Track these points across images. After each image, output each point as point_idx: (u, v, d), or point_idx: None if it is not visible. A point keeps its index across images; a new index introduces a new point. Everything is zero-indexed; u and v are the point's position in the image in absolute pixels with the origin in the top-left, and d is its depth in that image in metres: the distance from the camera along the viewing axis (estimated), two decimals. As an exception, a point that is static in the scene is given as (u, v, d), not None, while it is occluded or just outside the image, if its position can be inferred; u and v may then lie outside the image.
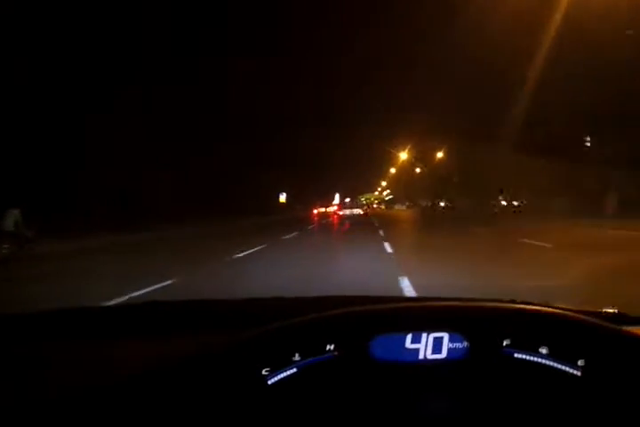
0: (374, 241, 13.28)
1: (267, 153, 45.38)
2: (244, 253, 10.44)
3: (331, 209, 47.53)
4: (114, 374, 0.84)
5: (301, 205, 65.59)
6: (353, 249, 11.84)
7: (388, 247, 11.05)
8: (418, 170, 68.19)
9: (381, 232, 17.40)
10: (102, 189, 20.38)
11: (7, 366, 0.98)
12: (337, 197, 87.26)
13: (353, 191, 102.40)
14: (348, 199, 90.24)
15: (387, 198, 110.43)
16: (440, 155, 55.62)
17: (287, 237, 15.88)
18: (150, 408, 0.76)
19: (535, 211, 30.17)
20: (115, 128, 19.72)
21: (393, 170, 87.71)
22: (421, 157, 62.82)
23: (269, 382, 0.83)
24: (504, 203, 38.10)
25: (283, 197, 54.70)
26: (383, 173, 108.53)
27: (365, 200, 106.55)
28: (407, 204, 74.26)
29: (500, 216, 30.82)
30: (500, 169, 35.50)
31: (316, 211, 50.84)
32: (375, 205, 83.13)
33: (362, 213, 43.00)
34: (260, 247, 11.61)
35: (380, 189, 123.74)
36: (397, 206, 77.44)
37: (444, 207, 53.03)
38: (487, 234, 16.50)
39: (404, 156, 71.04)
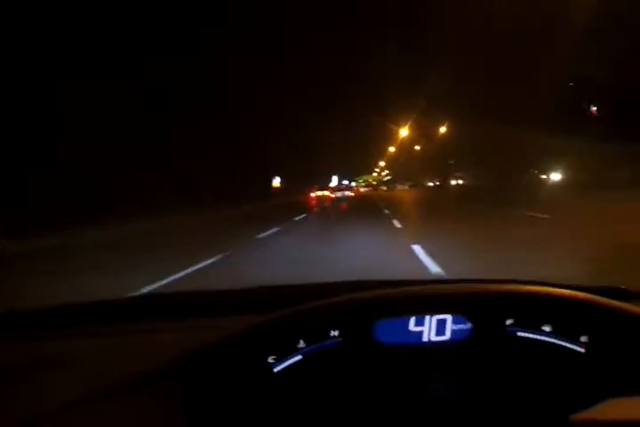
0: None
1: (257, 136, 41.12)
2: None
3: (328, 192, 44.41)
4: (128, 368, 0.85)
5: (297, 189, 61.44)
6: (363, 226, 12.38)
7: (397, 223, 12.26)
8: (417, 147, 63.46)
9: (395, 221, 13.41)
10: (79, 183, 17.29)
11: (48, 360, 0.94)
12: (335, 179, 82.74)
13: (351, 173, 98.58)
14: (345, 182, 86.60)
15: (385, 179, 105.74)
16: (443, 129, 51.05)
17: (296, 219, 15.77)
18: (162, 397, 0.78)
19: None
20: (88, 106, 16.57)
21: (392, 149, 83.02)
22: (424, 132, 58.33)
23: (275, 370, 0.84)
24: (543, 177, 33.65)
25: (276, 181, 50.25)
26: (382, 153, 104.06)
27: (363, 182, 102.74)
28: (409, 184, 69.23)
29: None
30: (527, 144, 31.24)
31: (313, 194, 46.19)
32: (370, 187, 78.53)
33: (352, 194, 42.26)
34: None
35: (378, 169, 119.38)
36: (400, 187, 72.05)
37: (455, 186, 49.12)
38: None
39: (404, 133, 66.11)
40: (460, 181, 50.93)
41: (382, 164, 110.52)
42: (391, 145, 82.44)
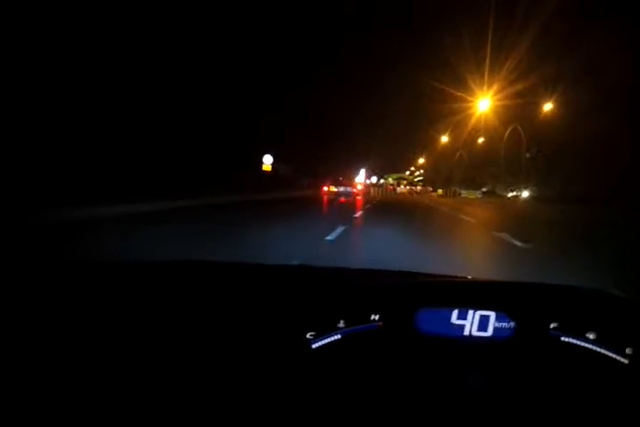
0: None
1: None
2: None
3: (347, 188, 33.95)
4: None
5: (309, 180, 46.04)
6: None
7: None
8: (481, 140, 46.67)
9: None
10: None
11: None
12: (362, 172, 66.75)
13: (382, 169, 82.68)
14: (374, 178, 71.27)
15: (416, 180, 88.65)
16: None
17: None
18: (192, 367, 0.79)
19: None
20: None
21: (423, 158, 66.61)
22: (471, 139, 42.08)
23: (313, 347, 0.85)
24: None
25: (268, 160, 34.09)
26: (418, 154, 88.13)
27: (392, 180, 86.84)
28: (442, 190, 50.29)
29: None
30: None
31: (326, 188, 35.48)
32: (402, 187, 60.18)
33: (354, 190, 34.35)
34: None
35: (413, 168, 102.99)
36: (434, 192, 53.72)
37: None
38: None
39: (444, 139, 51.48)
40: (526, 193, 34.41)
41: (421, 160, 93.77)
42: (430, 148, 66.71)
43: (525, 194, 34.91)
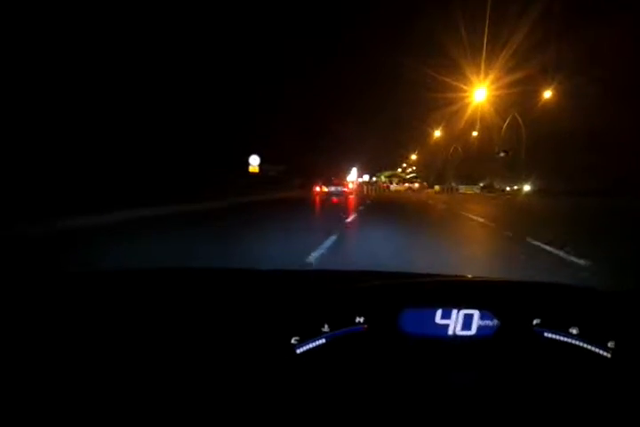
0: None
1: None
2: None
3: (338, 188, 33.71)
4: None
5: (301, 180, 44.07)
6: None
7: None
8: (474, 133, 44.55)
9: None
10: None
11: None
12: (354, 171, 64.85)
13: (373, 167, 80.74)
14: (365, 176, 69.49)
15: (408, 176, 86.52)
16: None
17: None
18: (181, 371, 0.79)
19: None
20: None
21: (415, 155, 64.57)
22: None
23: (298, 351, 0.85)
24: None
25: (255, 161, 31.99)
26: (410, 151, 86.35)
27: (385, 178, 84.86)
28: (439, 186, 47.20)
29: None
30: None
31: (318, 188, 34.80)
32: (395, 184, 57.19)
33: (346, 190, 34.52)
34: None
35: (405, 165, 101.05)
36: (435, 188, 50.24)
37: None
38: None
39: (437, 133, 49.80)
40: (527, 187, 32.44)
41: (414, 157, 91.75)
42: (423, 143, 65.39)
43: (527, 188, 32.98)
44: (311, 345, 0.85)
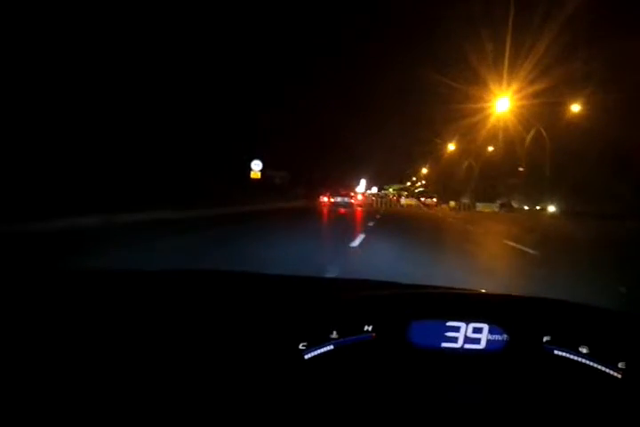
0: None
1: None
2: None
3: (345, 199, 31.73)
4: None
5: (306, 189, 41.86)
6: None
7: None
8: (491, 148, 41.93)
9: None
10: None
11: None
12: (362, 182, 62.70)
13: (381, 180, 78.44)
14: (374, 188, 67.37)
15: (417, 191, 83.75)
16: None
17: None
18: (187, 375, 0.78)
19: None
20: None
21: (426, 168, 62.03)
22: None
23: (306, 357, 0.84)
24: None
25: (256, 166, 29.55)
26: (421, 164, 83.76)
27: (393, 191, 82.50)
28: (454, 202, 42.68)
29: None
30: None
31: (326, 199, 33.04)
32: (404, 198, 53.65)
33: (353, 201, 33.33)
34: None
35: (414, 179, 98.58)
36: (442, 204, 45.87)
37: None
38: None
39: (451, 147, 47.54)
40: (552, 208, 29.78)
41: (424, 171, 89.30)
42: (434, 158, 63.06)
43: (552, 208, 30.21)
44: (319, 351, 0.85)
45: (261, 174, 30.95)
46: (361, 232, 10.75)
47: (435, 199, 46.53)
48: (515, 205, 35.38)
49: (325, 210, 25.78)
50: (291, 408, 0.78)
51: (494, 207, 35.22)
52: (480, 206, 36.10)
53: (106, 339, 0.85)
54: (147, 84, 19.94)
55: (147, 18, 19.48)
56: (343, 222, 16.22)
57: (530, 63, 27.95)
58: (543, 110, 30.52)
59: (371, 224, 14.76)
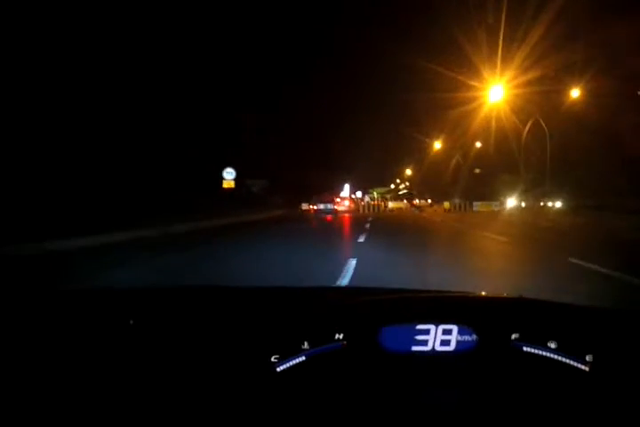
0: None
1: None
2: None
3: (328, 205, 30.92)
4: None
5: (286, 197, 38.85)
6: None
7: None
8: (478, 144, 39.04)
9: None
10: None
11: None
12: (346, 187, 59.80)
13: (364, 184, 75.48)
14: (358, 192, 64.76)
15: (400, 193, 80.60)
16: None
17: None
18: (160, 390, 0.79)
19: None
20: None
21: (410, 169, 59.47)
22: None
23: (278, 369, 0.85)
24: None
25: (229, 175, 26.10)
26: (404, 165, 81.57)
27: (377, 195, 79.59)
28: (448, 203, 37.37)
29: None
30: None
31: (305, 206, 33.01)
32: (392, 202, 49.76)
33: (336, 207, 32.58)
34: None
35: (398, 181, 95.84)
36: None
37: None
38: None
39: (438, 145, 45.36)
40: (559, 203, 26.97)
41: (408, 172, 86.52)
42: (419, 158, 60.99)
43: (558, 204, 27.24)
44: (291, 363, 0.85)
45: (237, 183, 27.71)
46: (350, 256, 7.44)
47: (429, 200, 43.57)
48: (516, 202, 32.12)
49: (304, 220, 22.54)
50: (266, 421, 0.78)
51: (493, 206, 32.02)
52: (477, 206, 32.82)
53: (80, 355, 0.85)
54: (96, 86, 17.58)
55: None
56: (330, 235, 13.07)
57: (525, 50, 25.15)
58: (540, 99, 27.75)
59: (361, 238, 11.56)
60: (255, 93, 31.88)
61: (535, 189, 29.55)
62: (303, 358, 0.85)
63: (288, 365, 0.84)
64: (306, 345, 0.86)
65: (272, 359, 0.84)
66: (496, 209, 30.93)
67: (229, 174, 26.01)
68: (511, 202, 31.86)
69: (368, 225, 17.32)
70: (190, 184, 24.36)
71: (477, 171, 41.45)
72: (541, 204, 28.90)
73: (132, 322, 0.98)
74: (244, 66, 30.39)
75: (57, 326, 0.97)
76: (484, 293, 1.15)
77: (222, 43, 27.96)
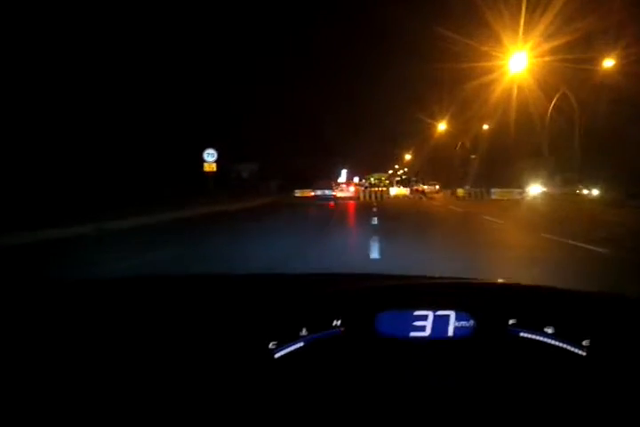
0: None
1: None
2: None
3: (326, 191, 27.79)
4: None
5: (278, 184, 35.47)
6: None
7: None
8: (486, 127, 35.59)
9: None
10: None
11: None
12: (344, 173, 56.76)
13: (363, 169, 72.12)
14: (355, 178, 61.45)
15: (397, 179, 76.67)
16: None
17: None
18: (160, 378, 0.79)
19: None
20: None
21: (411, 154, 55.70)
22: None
23: (276, 356, 0.84)
24: None
25: (210, 157, 22.17)
26: (404, 150, 78.24)
27: (375, 180, 75.84)
28: (462, 190, 32.61)
29: None
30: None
31: (298, 193, 30.29)
32: (396, 188, 44.48)
33: (334, 194, 29.61)
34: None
35: (397, 166, 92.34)
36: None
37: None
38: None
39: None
40: (596, 191, 23.35)
41: (407, 157, 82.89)
42: (422, 141, 57.99)
43: (595, 192, 23.56)
44: (289, 349, 0.85)
45: (223, 167, 24.04)
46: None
47: (437, 186, 39.77)
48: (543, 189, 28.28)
49: (299, 209, 19.03)
50: (264, 408, 0.78)
51: (515, 194, 28.30)
52: (497, 194, 29.06)
53: (79, 346, 0.85)
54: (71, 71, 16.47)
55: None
56: (329, 230, 9.66)
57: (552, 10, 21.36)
58: (568, 70, 23.97)
59: (374, 240, 8.05)
60: (243, 65, 28.40)
61: (564, 173, 25.90)
62: (301, 344, 0.86)
63: (286, 351, 0.84)
64: (304, 331, 0.86)
65: (270, 346, 0.84)
66: (518, 197, 27.22)
67: (210, 156, 22.10)
68: (535, 189, 28.11)
69: (375, 214, 13.89)
70: (160, 168, 20.84)
71: (473, 157, 38.08)
72: (577, 191, 25.09)
73: (131, 308, 0.99)
74: (238, 36, 27.48)
75: (46, 317, 0.96)
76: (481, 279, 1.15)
77: (215, 13, 25.04)
